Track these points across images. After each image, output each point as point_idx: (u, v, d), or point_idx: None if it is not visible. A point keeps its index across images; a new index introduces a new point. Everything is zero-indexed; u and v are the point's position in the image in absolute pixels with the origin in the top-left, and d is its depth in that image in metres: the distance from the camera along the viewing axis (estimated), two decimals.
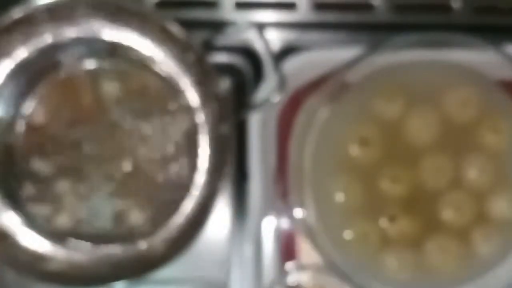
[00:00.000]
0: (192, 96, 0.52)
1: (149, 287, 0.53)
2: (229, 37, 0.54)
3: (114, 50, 0.53)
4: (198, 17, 0.56)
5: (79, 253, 0.51)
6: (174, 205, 0.52)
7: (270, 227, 0.53)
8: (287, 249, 0.53)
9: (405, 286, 0.52)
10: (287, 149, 0.53)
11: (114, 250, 0.52)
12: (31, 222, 0.51)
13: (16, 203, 0.52)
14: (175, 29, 0.50)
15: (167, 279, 0.53)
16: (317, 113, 0.52)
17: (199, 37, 0.52)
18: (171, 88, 0.53)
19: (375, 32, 0.55)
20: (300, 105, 0.54)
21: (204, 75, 0.51)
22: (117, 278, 0.50)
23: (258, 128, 0.52)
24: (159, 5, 0.54)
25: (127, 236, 0.52)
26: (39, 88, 0.53)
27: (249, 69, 0.55)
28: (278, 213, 0.53)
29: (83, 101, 0.53)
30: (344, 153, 0.52)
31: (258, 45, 0.53)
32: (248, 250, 0.53)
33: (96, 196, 0.52)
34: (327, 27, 0.56)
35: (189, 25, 0.50)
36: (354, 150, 0.52)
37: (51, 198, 0.52)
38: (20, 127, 0.53)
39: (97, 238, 0.52)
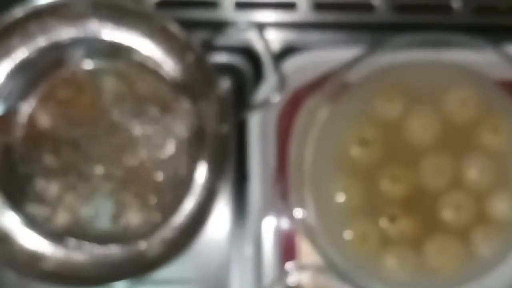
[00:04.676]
0: (192, 96, 0.52)
1: (149, 287, 0.53)
2: (229, 37, 0.54)
3: (114, 50, 0.53)
4: (198, 17, 0.56)
5: (78, 253, 0.51)
6: (174, 205, 0.52)
7: (270, 227, 0.53)
8: (287, 249, 0.53)
9: (405, 286, 0.52)
10: (287, 149, 0.53)
11: (113, 250, 0.52)
12: (31, 222, 0.51)
13: (16, 203, 0.52)
14: (175, 29, 0.50)
15: (167, 279, 0.54)
16: (317, 113, 0.52)
17: (199, 37, 0.52)
18: (171, 88, 0.53)
19: (375, 32, 0.55)
20: (300, 105, 0.54)
21: (204, 75, 0.51)
22: (117, 278, 0.50)
23: (258, 128, 0.52)
24: (159, 5, 0.54)
25: (127, 236, 0.52)
26: (39, 88, 0.53)
27: (249, 69, 0.55)
28: (278, 213, 0.53)
29: (83, 101, 0.53)
30: (344, 153, 0.52)
31: (258, 45, 0.53)
32: (248, 250, 0.53)
33: (96, 196, 0.52)
34: (327, 27, 0.56)
35: (189, 25, 0.50)
36: (354, 150, 0.52)
37: (51, 198, 0.52)
38: (21, 127, 0.53)
39: (97, 238, 0.52)
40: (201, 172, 0.52)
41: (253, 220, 0.53)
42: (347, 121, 0.52)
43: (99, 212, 0.52)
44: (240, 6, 0.56)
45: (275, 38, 0.56)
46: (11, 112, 0.53)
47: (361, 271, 0.51)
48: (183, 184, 0.52)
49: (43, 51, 0.52)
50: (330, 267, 0.50)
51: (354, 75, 0.52)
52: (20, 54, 0.52)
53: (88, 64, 0.53)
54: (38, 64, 0.53)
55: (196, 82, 0.52)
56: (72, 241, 0.52)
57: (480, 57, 0.52)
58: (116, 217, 0.53)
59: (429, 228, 0.52)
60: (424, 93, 0.52)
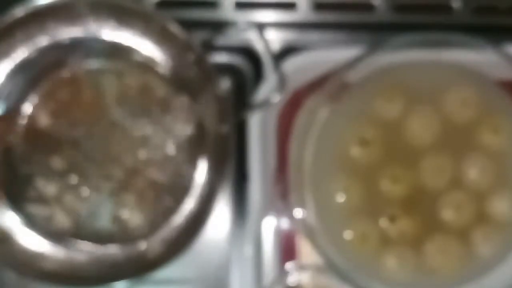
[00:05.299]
0: (192, 96, 0.52)
1: (149, 287, 0.53)
2: (229, 37, 0.54)
3: (114, 50, 0.53)
4: (198, 17, 0.56)
5: (78, 253, 0.51)
6: (174, 205, 0.52)
7: (270, 227, 0.53)
8: (287, 249, 0.53)
9: (405, 286, 0.52)
10: (287, 149, 0.53)
11: (113, 250, 0.52)
12: (31, 222, 0.51)
13: (16, 204, 0.52)
14: (175, 29, 0.50)
15: (167, 279, 0.54)
16: (317, 113, 0.52)
17: (199, 37, 0.52)
18: (171, 88, 0.53)
19: (375, 32, 0.55)
20: (300, 105, 0.54)
21: (204, 75, 0.51)
22: (117, 278, 0.50)
23: (258, 128, 0.52)
24: (159, 5, 0.54)
25: (127, 236, 0.52)
26: (39, 88, 0.53)
27: (249, 69, 0.55)
28: (278, 213, 0.53)
29: (84, 101, 0.53)
30: (344, 153, 0.52)
31: (258, 45, 0.53)
32: (248, 250, 0.53)
33: (96, 196, 0.52)
34: (327, 27, 0.56)
35: (189, 25, 0.50)
36: (354, 150, 0.52)
37: (51, 198, 0.52)
38: (21, 127, 0.53)
39: (97, 238, 0.52)
40: (201, 172, 0.52)
41: (253, 220, 0.53)
42: (347, 121, 0.52)
43: (99, 212, 0.52)
44: (240, 6, 0.56)
45: (275, 38, 0.56)
46: (11, 112, 0.53)
47: (361, 271, 0.51)
48: (183, 184, 0.52)
49: (43, 51, 0.52)
50: (330, 267, 0.50)
51: (354, 75, 0.52)
52: (20, 54, 0.52)
53: (88, 64, 0.53)
54: (38, 64, 0.53)
55: (196, 82, 0.52)
56: (72, 241, 0.52)
57: (480, 57, 0.52)
58: (116, 217, 0.53)
59: (429, 228, 0.52)
60: (424, 93, 0.52)
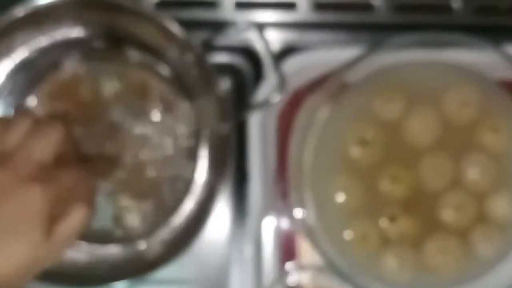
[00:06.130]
0: (192, 96, 0.52)
1: (149, 287, 0.53)
2: (229, 37, 0.54)
3: (114, 50, 0.53)
4: (198, 17, 0.56)
5: (78, 253, 0.51)
6: (174, 205, 0.52)
7: (270, 227, 0.53)
8: (287, 249, 0.53)
9: (405, 286, 0.52)
10: (287, 149, 0.53)
11: (113, 250, 0.52)
12: None
13: None
14: (175, 29, 0.50)
15: (167, 279, 0.54)
16: (317, 113, 0.52)
17: (199, 37, 0.52)
18: (171, 88, 0.53)
19: (375, 32, 0.55)
20: (300, 105, 0.54)
21: (204, 75, 0.51)
22: (116, 278, 0.50)
23: (258, 128, 0.52)
24: (159, 5, 0.54)
25: (127, 236, 0.52)
26: (39, 88, 0.53)
27: (249, 69, 0.55)
28: (278, 213, 0.53)
29: (83, 101, 0.53)
30: (344, 153, 0.52)
31: (258, 45, 0.53)
32: (248, 250, 0.53)
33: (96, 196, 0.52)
34: (327, 27, 0.56)
35: (189, 25, 0.50)
36: (354, 150, 0.52)
37: None
38: None
39: (97, 238, 0.52)
40: (201, 172, 0.52)
41: (253, 220, 0.53)
42: (347, 121, 0.52)
43: (99, 212, 0.52)
44: (240, 6, 0.56)
45: (275, 38, 0.56)
46: (11, 112, 0.53)
47: (361, 271, 0.51)
48: (183, 184, 0.52)
49: (43, 51, 0.52)
50: (330, 267, 0.50)
51: (354, 75, 0.52)
52: (20, 54, 0.52)
53: (88, 64, 0.53)
54: (38, 64, 0.53)
55: (196, 82, 0.52)
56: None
57: (480, 57, 0.52)
58: (116, 217, 0.53)
59: (429, 228, 0.52)
60: (424, 93, 0.52)
